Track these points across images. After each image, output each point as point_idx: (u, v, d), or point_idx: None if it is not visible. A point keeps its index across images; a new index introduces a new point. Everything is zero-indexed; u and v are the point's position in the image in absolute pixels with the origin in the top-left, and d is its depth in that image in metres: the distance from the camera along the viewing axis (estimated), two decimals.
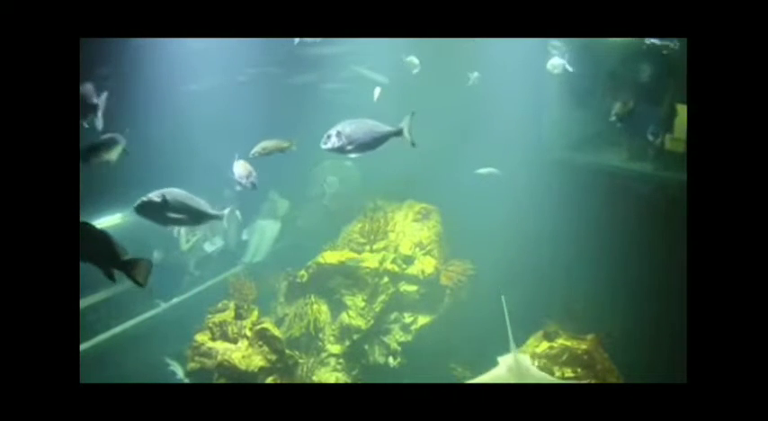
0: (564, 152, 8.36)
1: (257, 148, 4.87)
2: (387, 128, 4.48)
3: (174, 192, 3.86)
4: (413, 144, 4.56)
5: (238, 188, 4.99)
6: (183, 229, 8.45)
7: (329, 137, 4.39)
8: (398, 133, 4.52)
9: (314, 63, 8.29)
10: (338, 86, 8.52)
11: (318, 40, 5.89)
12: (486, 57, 7.45)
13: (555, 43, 6.95)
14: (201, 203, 3.99)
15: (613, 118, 6.35)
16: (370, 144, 4.43)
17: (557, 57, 6.86)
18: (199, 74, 7.14)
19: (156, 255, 8.18)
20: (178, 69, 7.04)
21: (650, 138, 7.06)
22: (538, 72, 8.07)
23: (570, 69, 6.82)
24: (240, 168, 4.92)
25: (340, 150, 4.40)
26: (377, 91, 7.36)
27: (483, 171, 7.62)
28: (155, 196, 3.75)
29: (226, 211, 4.21)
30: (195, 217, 3.97)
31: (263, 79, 8.14)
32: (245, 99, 7.64)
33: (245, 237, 9.32)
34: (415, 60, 7.17)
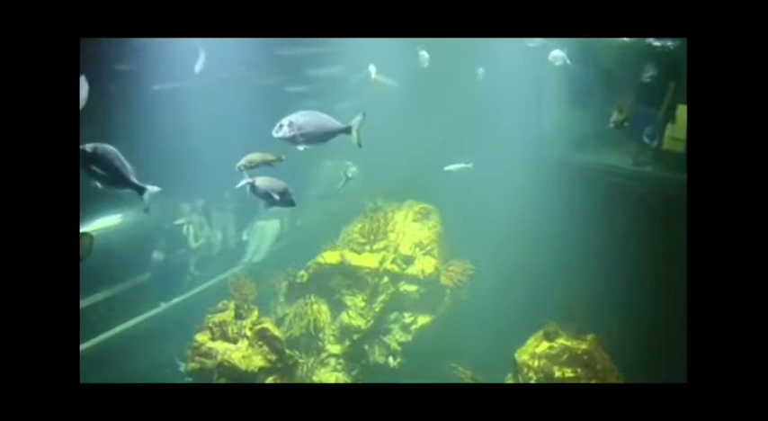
0: (564, 152, 8.36)
1: (243, 161, 4.79)
2: (338, 123, 4.50)
3: (107, 149, 3.77)
4: (359, 145, 4.54)
5: (266, 206, 4.85)
6: (191, 227, 8.44)
7: (281, 126, 4.37)
8: (347, 131, 4.52)
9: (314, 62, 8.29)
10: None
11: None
12: (486, 57, 7.45)
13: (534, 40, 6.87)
14: (128, 168, 3.88)
15: (612, 125, 6.36)
16: (319, 137, 4.42)
17: (557, 49, 6.84)
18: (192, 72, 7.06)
19: (157, 255, 8.18)
20: (173, 66, 6.97)
21: (646, 140, 7.06)
22: (538, 72, 8.09)
23: (569, 62, 6.79)
24: (273, 183, 4.72)
25: (290, 140, 4.40)
26: (372, 70, 7.24)
27: (453, 167, 7.41)
28: (88, 146, 3.73)
29: (149, 187, 4.03)
30: (114, 177, 3.83)
31: (256, 79, 8.12)
32: (238, 99, 7.60)
33: (245, 237, 9.33)
34: (425, 55, 7.13)
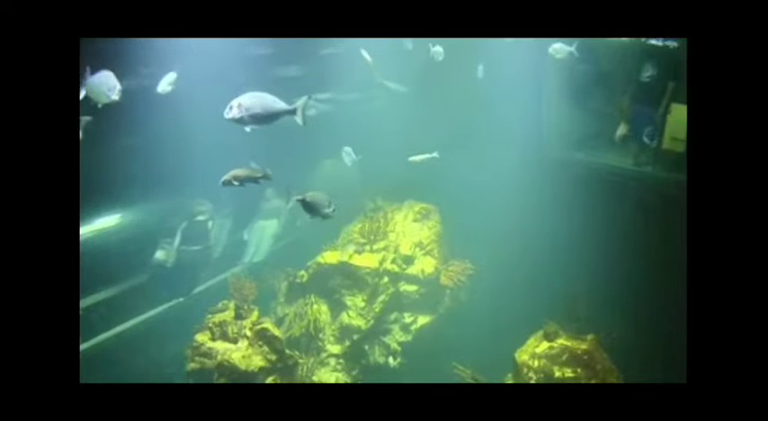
0: (564, 152, 8.35)
1: (227, 176, 4.87)
2: (284, 105, 4.65)
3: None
4: (304, 124, 4.72)
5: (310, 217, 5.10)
6: (215, 224, 8.41)
7: (231, 108, 4.53)
8: (292, 112, 4.69)
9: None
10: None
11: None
12: (487, 57, 7.44)
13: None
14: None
15: (618, 140, 6.38)
16: (264, 118, 4.57)
17: (560, 43, 6.81)
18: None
19: (160, 254, 8.14)
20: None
21: (646, 140, 7.06)
22: (538, 71, 8.08)
23: (576, 54, 6.75)
24: (318, 197, 5.01)
25: (239, 121, 4.55)
26: (365, 54, 7.17)
27: (417, 158, 7.27)
28: None
29: (83, 118, 4.23)
30: None
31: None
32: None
33: (246, 236, 9.30)
34: (439, 49, 7.08)
